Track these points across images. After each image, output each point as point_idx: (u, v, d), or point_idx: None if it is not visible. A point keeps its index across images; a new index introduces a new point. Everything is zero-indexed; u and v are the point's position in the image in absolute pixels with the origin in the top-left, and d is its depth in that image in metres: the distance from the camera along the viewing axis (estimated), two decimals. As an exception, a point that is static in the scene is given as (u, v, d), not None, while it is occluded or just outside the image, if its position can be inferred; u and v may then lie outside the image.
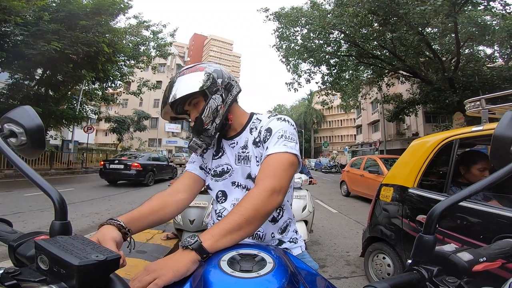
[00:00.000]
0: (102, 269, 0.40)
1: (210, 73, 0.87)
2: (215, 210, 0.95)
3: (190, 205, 2.96)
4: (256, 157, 0.87)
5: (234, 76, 0.95)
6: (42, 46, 9.82)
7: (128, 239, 0.68)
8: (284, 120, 0.87)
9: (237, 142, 0.92)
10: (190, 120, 0.94)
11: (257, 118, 0.94)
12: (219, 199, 0.94)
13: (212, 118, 0.86)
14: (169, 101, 0.83)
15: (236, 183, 0.91)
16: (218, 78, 0.87)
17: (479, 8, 9.69)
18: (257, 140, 0.88)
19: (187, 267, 0.58)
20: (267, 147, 0.82)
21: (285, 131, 0.83)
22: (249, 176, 0.88)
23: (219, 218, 0.92)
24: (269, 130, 0.85)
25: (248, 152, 0.89)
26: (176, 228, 3.00)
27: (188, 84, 0.84)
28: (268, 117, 0.91)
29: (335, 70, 14.43)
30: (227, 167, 0.93)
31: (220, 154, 0.96)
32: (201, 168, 0.98)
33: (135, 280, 0.56)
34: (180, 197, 0.90)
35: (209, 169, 0.97)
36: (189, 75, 0.86)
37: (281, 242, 0.88)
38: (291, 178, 0.81)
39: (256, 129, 0.90)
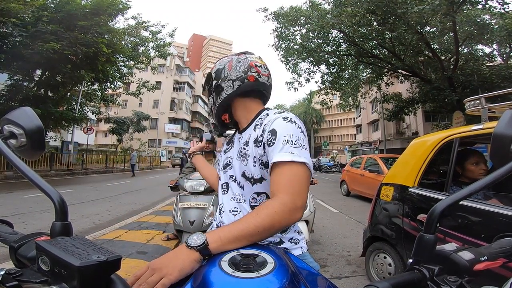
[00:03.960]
0: (103, 269, 0.40)
1: (211, 73, 0.92)
2: (219, 205, 0.97)
3: (190, 206, 2.95)
4: (254, 157, 0.83)
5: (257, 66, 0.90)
6: (40, 45, 9.82)
7: None
8: (290, 121, 0.78)
9: (242, 137, 0.91)
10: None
11: (266, 114, 0.88)
12: (222, 191, 0.95)
13: (211, 115, 0.97)
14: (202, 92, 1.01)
15: (234, 178, 0.91)
16: (214, 80, 0.91)
17: (477, 7, 9.72)
18: (259, 139, 0.81)
19: (192, 267, 0.59)
20: (272, 154, 0.75)
21: (291, 135, 0.76)
22: (243, 174, 0.87)
23: (221, 213, 0.93)
24: (273, 133, 0.77)
25: (247, 151, 0.85)
26: (176, 229, 2.99)
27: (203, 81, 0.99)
28: (274, 113, 0.83)
29: (335, 70, 14.45)
30: (230, 160, 0.94)
31: (230, 147, 0.97)
32: None
33: (140, 281, 0.56)
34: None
35: (219, 163, 1.01)
36: (208, 72, 0.96)
37: (281, 241, 0.86)
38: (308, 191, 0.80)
39: (260, 126, 0.83)
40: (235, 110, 0.94)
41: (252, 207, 0.86)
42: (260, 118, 0.88)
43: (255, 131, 0.85)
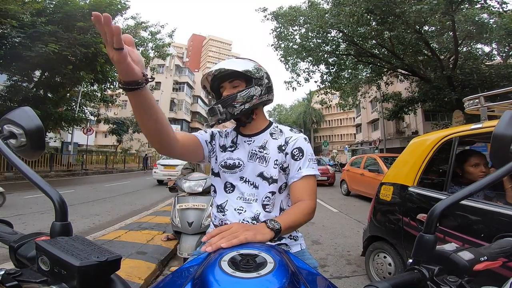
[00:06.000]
0: (103, 269, 0.40)
1: (262, 69, 0.98)
2: (219, 204, 0.99)
3: (188, 207, 2.93)
4: (276, 160, 0.96)
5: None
6: (40, 48, 9.80)
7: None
8: (308, 141, 1.00)
9: (254, 141, 1.01)
10: (212, 98, 1.07)
11: (277, 127, 1.04)
12: (226, 190, 1.00)
13: (244, 101, 0.94)
14: (214, 70, 0.95)
15: (244, 179, 0.96)
16: (265, 78, 0.99)
17: (476, 6, 9.71)
18: (283, 148, 0.97)
19: (267, 240, 0.71)
20: (300, 167, 0.94)
21: (312, 153, 0.98)
22: (260, 175, 0.95)
23: (224, 211, 0.97)
24: (300, 150, 0.96)
25: (266, 154, 0.97)
26: (174, 230, 2.98)
27: (241, 65, 0.95)
28: (291, 130, 1.02)
29: (334, 69, 14.42)
30: (239, 162, 0.98)
31: (233, 148, 1.02)
32: (206, 142, 1.03)
33: (225, 234, 0.65)
34: (174, 135, 0.85)
35: (217, 158, 1.03)
36: (244, 60, 0.98)
37: (280, 237, 0.91)
38: None
39: (280, 136, 1.00)
40: (257, 114, 1.02)
41: (264, 206, 0.94)
42: (273, 128, 1.03)
43: (272, 138, 1.00)
